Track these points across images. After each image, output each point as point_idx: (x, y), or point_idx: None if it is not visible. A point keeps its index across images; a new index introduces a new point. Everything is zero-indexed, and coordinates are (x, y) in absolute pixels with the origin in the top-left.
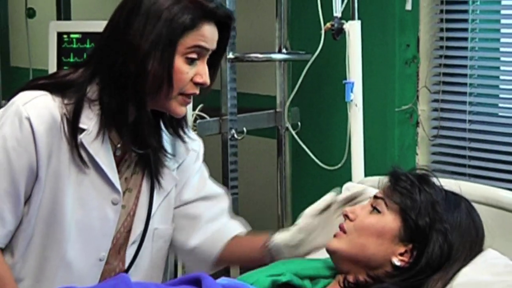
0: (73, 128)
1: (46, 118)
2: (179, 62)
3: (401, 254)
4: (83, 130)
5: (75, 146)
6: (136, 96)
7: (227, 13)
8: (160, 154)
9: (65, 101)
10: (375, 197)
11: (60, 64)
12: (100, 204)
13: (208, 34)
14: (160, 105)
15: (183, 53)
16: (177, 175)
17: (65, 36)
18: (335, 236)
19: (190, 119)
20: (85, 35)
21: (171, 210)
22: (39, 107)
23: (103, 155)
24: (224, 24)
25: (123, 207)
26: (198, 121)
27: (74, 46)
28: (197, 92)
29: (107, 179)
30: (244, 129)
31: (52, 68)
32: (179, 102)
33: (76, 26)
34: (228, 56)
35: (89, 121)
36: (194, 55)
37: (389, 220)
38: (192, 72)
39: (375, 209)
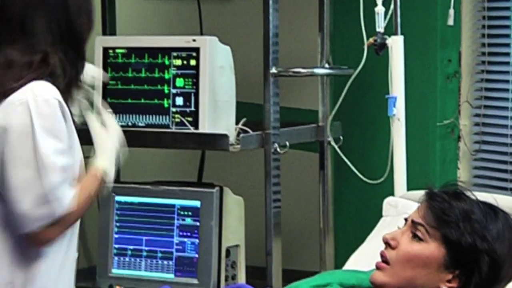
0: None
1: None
2: None
3: (449, 281)
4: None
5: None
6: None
7: None
8: None
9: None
10: (414, 222)
11: None
12: None
13: None
14: None
15: None
16: None
17: (110, 51)
18: (378, 268)
19: (233, 133)
20: (130, 50)
21: None
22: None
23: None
24: None
25: None
26: (241, 135)
27: (120, 60)
28: None
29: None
30: (287, 143)
31: (98, 81)
32: None
33: (122, 41)
34: (271, 71)
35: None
36: None
37: (433, 249)
38: None
39: (416, 237)
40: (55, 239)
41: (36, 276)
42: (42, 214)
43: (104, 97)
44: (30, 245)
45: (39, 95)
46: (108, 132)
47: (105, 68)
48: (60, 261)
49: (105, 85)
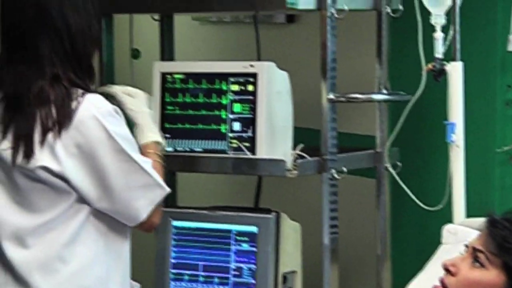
0: None
1: None
2: None
3: None
4: None
5: None
6: None
7: None
8: None
9: None
10: (475, 249)
11: (164, 103)
12: None
13: None
14: None
15: None
16: None
17: (168, 76)
18: None
19: (290, 158)
20: (188, 75)
21: None
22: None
23: None
24: None
25: None
26: (298, 161)
27: (177, 86)
28: None
29: None
30: (344, 168)
31: (156, 107)
32: None
33: (179, 66)
34: (328, 97)
35: None
36: None
37: (494, 276)
38: None
39: (477, 263)
40: (158, 222)
41: (124, 266)
42: (150, 202)
43: (162, 122)
44: (124, 237)
45: (100, 107)
46: (139, 100)
47: (162, 93)
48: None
49: (162, 110)
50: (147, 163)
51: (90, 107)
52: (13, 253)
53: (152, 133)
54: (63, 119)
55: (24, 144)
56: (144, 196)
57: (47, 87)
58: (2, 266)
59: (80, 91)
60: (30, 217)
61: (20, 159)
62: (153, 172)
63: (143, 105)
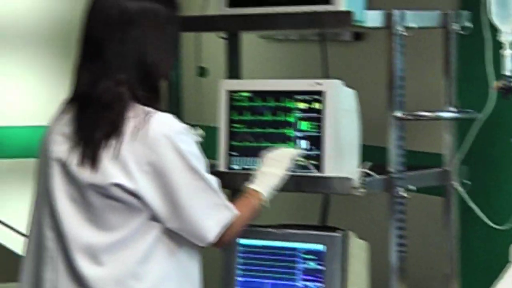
0: None
1: None
2: None
3: None
4: None
5: None
6: None
7: None
8: None
9: None
10: None
11: (230, 121)
12: None
13: None
14: None
15: None
16: None
17: (235, 94)
18: None
19: (357, 176)
20: (255, 93)
21: None
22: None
23: None
24: None
25: None
26: (365, 179)
27: (244, 103)
28: None
29: None
30: (412, 186)
31: (222, 125)
32: None
33: (246, 84)
34: (395, 114)
35: None
36: None
37: None
38: None
39: None
40: (230, 242)
41: (193, 284)
42: (218, 223)
43: (229, 140)
44: (195, 256)
45: (172, 126)
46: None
47: (229, 111)
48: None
49: (229, 128)
50: (215, 182)
51: (163, 126)
52: (88, 270)
53: (261, 183)
54: (135, 134)
55: (91, 156)
56: (212, 217)
57: (118, 100)
58: (77, 283)
59: (151, 109)
60: (103, 235)
61: (89, 173)
62: (221, 193)
63: (276, 167)
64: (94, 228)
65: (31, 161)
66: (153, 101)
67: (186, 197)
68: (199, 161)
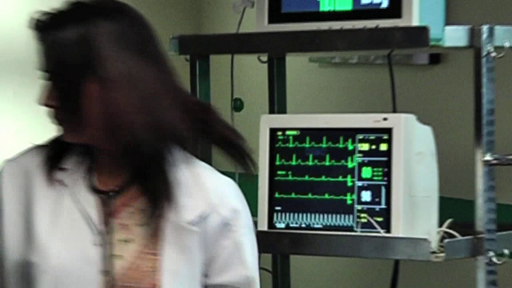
0: None
1: None
2: None
3: None
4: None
5: None
6: None
7: None
8: None
9: None
10: None
11: (273, 167)
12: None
13: None
14: None
15: None
16: None
17: (279, 133)
18: None
19: (435, 238)
20: (304, 132)
21: None
22: None
23: None
24: None
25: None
26: (445, 241)
27: (290, 145)
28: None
29: None
30: (506, 251)
31: (264, 172)
32: None
33: (293, 120)
34: (484, 158)
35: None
36: None
37: None
38: None
39: None
40: None
41: None
42: None
43: (271, 191)
44: None
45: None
46: None
47: (272, 154)
48: None
49: (272, 175)
50: None
51: (217, 174)
52: None
53: None
54: None
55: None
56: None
57: None
58: None
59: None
60: None
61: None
62: None
63: None
64: None
65: None
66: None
67: (251, 252)
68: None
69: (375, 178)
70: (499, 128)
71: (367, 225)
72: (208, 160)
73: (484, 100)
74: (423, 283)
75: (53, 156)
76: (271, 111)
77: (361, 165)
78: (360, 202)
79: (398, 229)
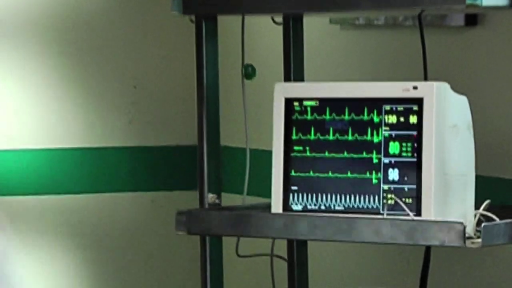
0: None
1: None
2: None
3: None
4: None
5: None
6: None
7: None
8: None
9: None
10: None
11: (289, 142)
12: None
13: None
14: None
15: None
16: None
17: (296, 103)
18: None
19: (471, 221)
20: (324, 102)
21: None
22: None
23: None
24: None
25: None
26: (483, 224)
27: (309, 117)
28: None
29: None
30: None
31: (278, 148)
32: None
33: (312, 89)
34: None
35: None
36: None
37: None
38: None
39: None
40: None
41: None
42: None
43: (286, 168)
44: None
45: None
46: None
47: (288, 127)
48: None
49: (287, 151)
50: None
51: None
52: None
53: None
54: None
55: None
56: None
57: None
58: None
59: None
60: None
61: None
62: None
63: None
64: None
65: None
66: None
67: None
68: None
69: (404, 154)
70: None
71: (395, 207)
72: (216, 137)
73: None
74: (458, 272)
75: None
76: (287, 78)
77: (388, 139)
78: (386, 182)
79: (430, 212)
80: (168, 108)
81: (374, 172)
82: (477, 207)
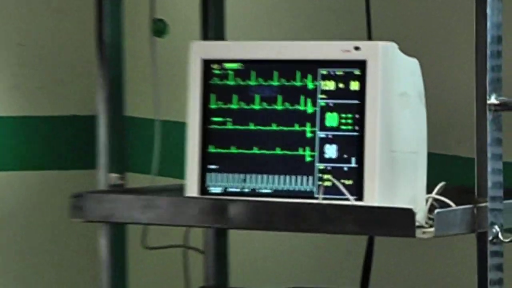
0: None
1: None
2: None
3: None
4: None
5: None
6: None
7: None
8: None
9: None
10: None
11: (206, 111)
12: None
13: None
14: None
15: None
16: None
17: (215, 65)
18: None
19: (422, 207)
20: (249, 65)
21: None
22: None
23: None
24: None
25: None
26: (435, 211)
27: (230, 82)
28: None
29: None
30: None
31: (194, 119)
32: None
33: (234, 50)
34: (488, 101)
35: None
36: None
37: None
38: None
39: None
40: None
41: None
42: None
43: (204, 144)
44: None
45: None
46: None
47: (205, 94)
48: None
49: (205, 123)
50: None
51: None
52: None
53: None
54: None
55: None
56: None
57: None
58: None
59: None
60: None
61: None
62: None
63: None
64: None
65: None
66: None
67: None
68: None
69: (343, 127)
70: (508, 64)
71: (332, 191)
72: (119, 106)
73: (489, 24)
74: (406, 265)
75: None
76: (205, 37)
77: (325, 109)
78: (322, 160)
79: (373, 196)
80: (61, 70)
81: (307, 148)
82: (429, 190)
